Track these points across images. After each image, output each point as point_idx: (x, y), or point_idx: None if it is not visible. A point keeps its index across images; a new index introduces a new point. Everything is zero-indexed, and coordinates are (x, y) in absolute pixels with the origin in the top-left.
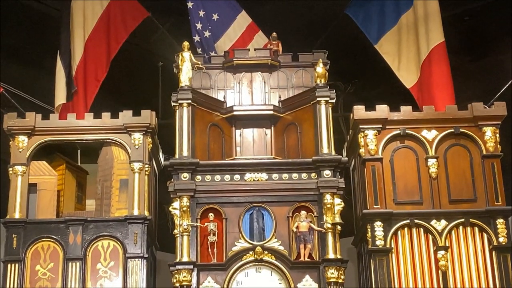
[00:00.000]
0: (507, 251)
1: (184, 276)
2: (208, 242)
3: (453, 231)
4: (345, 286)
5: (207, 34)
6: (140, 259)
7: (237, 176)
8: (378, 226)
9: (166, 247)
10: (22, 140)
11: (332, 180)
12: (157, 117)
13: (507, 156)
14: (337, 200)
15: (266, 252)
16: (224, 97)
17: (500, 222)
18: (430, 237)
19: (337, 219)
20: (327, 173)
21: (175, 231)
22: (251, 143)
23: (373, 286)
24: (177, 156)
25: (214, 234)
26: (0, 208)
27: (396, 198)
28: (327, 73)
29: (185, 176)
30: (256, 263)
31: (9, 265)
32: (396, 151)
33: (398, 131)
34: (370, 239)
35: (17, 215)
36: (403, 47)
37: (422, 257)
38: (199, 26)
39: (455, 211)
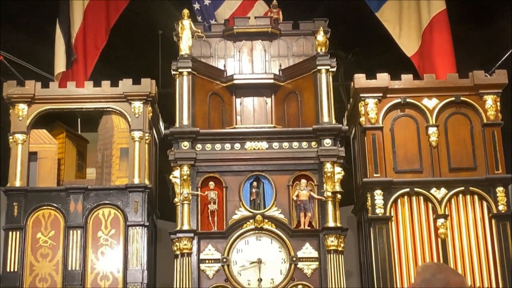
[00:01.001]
0: (506, 219)
1: (185, 244)
2: (209, 211)
3: (452, 199)
4: (345, 254)
5: (207, 2)
6: (141, 227)
7: (237, 145)
8: (378, 194)
9: (167, 215)
10: (22, 109)
11: (332, 148)
12: (157, 86)
13: (508, 125)
14: (337, 169)
15: (266, 220)
16: (225, 66)
17: (499, 190)
18: (430, 205)
19: (337, 188)
20: (327, 141)
21: (176, 199)
22: (252, 111)
23: (373, 254)
24: (177, 125)
25: (214, 203)
26: (0, 176)
27: (396, 166)
28: (327, 42)
29: (186, 144)
30: (257, 231)
31: (10, 233)
32: (396, 119)
33: (399, 100)
34: (370, 208)
35: (17, 183)
36: (404, 15)
37: (421, 225)
38: None
39: (455, 179)
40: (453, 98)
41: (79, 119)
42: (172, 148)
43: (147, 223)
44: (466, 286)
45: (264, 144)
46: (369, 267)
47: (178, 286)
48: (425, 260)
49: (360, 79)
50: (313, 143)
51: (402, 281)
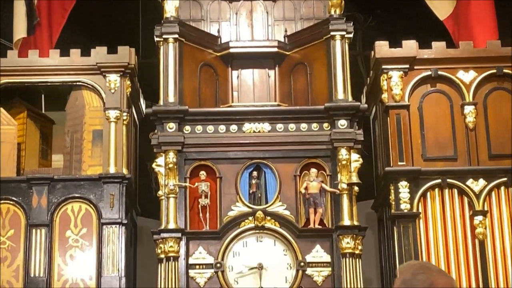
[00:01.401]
0: None
1: (171, 246)
2: (199, 206)
3: (493, 193)
4: (363, 258)
5: None
6: (117, 226)
7: (234, 127)
8: (403, 186)
9: (149, 211)
10: None
11: (348, 131)
12: (137, 55)
13: None
14: (354, 156)
15: (268, 217)
16: (219, 31)
17: None
18: (466, 199)
19: (354, 179)
20: (342, 123)
21: (160, 192)
22: (251, 87)
23: (397, 258)
24: (161, 102)
25: (206, 196)
26: None
27: (425, 153)
28: (343, 2)
29: (172, 126)
30: (257, 231)
31: None
32: (426, 96)
33: (429, 72)
34: (393, 203)
35: None
36: None
37: (455, 224)
38: None
39: (496, 168)
40: (495, 71)
41: (43, 96)
42: (156, 131)
43: (125, 221)
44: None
45: (266, 126)
46: (392, 273)
47: None
48: (459, 266)
49: (382, 48)
50: (325, 125)
51: None
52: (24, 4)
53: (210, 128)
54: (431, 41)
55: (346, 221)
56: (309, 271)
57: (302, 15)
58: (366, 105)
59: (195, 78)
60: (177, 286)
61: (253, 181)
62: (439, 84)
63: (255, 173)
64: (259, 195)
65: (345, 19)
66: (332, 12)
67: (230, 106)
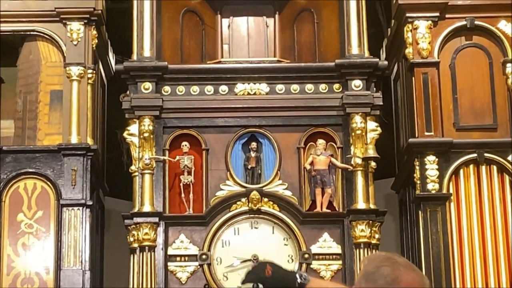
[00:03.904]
0: None
1: (146, 233)
2: (181, 184)
3: None
4: (381, 248)
5: None
6: (80, 208)
7: (223, 88)
8: (431, 162)
9: (119, 191)
10: None
11: (364, 94)
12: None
13: None
14: (371, 124)
15: (265, 199)
16: None
17: None
18: (507, 178)
19: (371, 152)
20: (356, 84)
21: (132, 167)
22: (245, 38)
23: (422, 249)
24: (135, 57)
25: (189, 173)
26: None
27: (458, 121)
28: None
29: (147, 86)
30: (252, 216)
31: None
32: (459, 52)
33: (464, 22)
34: (418, 182)
35: None
36: None
37: (493, 207)
38: None
39: None
40: None
41: None
42: (128, 92)
43: (90, 202)
44: (425, 286)
45: (263, 87)
46: (417, 266)
47: None
48: (497, 259)
49: None
50: (336, 86)
51: (464, 287)
52: None
53: (195, 89)
54: None
55: (361, 204)
56: (315, 264)
57: None
58: (386, 62)
59: (176, 27)
60: (153, 282)
61: (252, 154)
62: (475, 37)
63: (254, 144)
64: (259, 171)
65: None
66: None
67: (219, 62)
